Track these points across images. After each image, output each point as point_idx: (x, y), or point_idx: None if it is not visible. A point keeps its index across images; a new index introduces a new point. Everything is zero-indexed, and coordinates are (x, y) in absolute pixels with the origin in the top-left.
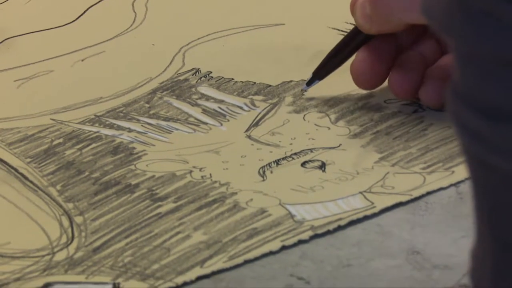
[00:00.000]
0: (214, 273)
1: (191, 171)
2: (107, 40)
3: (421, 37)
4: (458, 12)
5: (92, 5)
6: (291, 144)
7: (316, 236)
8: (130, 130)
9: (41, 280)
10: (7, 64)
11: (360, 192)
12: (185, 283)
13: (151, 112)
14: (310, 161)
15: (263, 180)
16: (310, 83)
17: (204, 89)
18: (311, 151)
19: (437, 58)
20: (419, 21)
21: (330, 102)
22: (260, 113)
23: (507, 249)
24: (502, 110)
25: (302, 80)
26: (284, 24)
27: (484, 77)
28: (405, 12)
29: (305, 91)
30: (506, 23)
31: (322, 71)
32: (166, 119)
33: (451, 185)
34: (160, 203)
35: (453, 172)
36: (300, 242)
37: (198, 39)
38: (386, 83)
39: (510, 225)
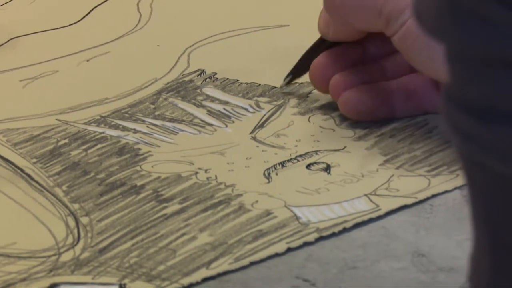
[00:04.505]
0: (219, 275)
1: (196, 173)
2: (112, 41)
3: (392, 51)
4: (448, 13)
5: (97, 5)
6: (296, 146)
7: (321, 238)
8: (135, 131)
9: (47, 281)
10: (12, 64)
11: (365, 195)
12: (191, 285)
13: (156, 113)
14: (315, 163)
15: (268, 182)
16: (287, 80)
17: (209, 90)
18: (316, 153)
19: (403, 74)
20: (371, 29)
21: (335, 104)
22: (265, 114)
23: (504, 249)
24: (493, 110)
25: (307, 81)
26: (288, 25)
27: (474, 78)
28: (357, 20)
29: (283, 87)
30: (495, 23)
31: (296, 71)
32: (171, 120)
33: (456, 188)
34: (165, 204)
35: (457, 175)
36: (306, 244)
37: (203, 40)
38: None
39: (506, 226)
